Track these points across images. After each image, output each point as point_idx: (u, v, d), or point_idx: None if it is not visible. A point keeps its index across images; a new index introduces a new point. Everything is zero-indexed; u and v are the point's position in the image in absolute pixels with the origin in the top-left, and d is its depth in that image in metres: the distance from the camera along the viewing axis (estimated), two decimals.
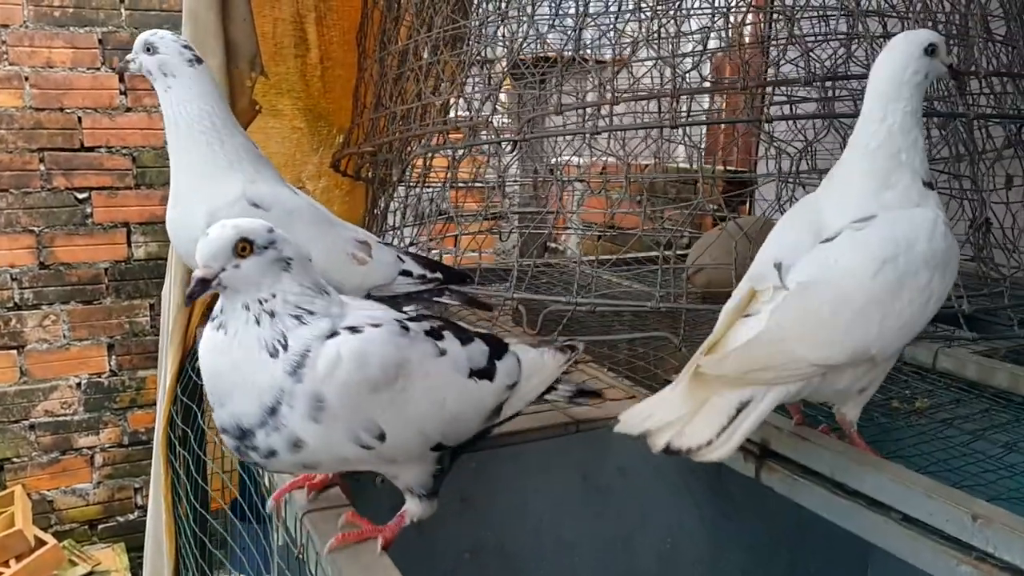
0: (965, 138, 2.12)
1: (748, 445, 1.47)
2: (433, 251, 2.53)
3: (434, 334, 1.24)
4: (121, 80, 3.97)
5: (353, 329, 1.15)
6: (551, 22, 2.46)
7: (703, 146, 3.21)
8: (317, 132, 3.01)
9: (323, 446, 1.12)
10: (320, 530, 1.27)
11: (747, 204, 3.48)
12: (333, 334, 1.13)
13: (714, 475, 1.65)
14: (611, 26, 2.43)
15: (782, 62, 2.19)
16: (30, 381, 4.01)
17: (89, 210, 4.01)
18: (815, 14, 2.25)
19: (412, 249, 2.48)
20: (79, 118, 3.94)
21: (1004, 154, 2.19)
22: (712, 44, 2.46)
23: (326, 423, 1.10)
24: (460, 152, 2.39)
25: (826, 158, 2.25)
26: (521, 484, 1.70)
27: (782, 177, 2.09)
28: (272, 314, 1.11)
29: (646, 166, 3.07)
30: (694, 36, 2.34)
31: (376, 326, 1.17)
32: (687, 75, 2.11)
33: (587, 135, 2.16)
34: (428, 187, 2.55)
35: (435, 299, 1.83)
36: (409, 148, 2.60)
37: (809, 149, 2.15)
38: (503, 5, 2.30)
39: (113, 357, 4.16)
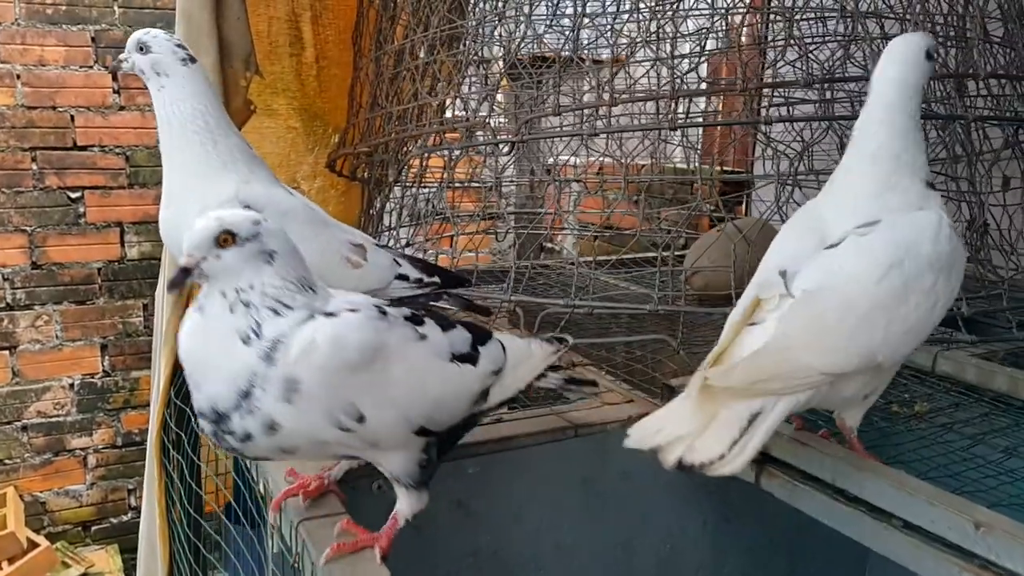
0: (963, 140, 2.11)
1: None
2: (429, 252, 2.52)
3: (414, 320, 1.26)
4: (114, 79, 3.94)
5: (329, 315, 1.16)
6: (548, 22, 2.44)
7: (699, 147, 3.20)
8: (312, 132, 3.00)
9: (299, 428, 1.13)
10: (315, 538, 1.27)
11: (743, 205, 3.48)
12: (309, 320, 1.15)
13: (714, 480, 1.64)
14: (609, 27, 2.41)
15: (780, 63, 2.18)
16: (22, 382, 3.99)
17: (82, 209, 3.99)
18: (813, 15, 2.24)
19: (408, 250, 2.47)
20: (72, 117, 3.91)
21: (1002, 155, 2.19)
22: (710, 45, 2.46)
23: (300, 405, 1.11)
24: (456, 153, 2.38)
25: (823, 159, 2.24)
26: (520, 489, 1.69)
27: (781, 179, 2.08)
28: (247, 304, 1.13)
29: (643, 166, 3.06)
30: (692, 37, 2.33)
31: (353, 311, 1.19)
32: (685, 76, 2.10)
33: (584, 136, 2.15)
34: (424, 187, 2.54)
35: (432, 303, 1.82)
36: (405, 148, 2.59)
37: (807, 151, 2.14)
38: (500, 5, 2.29)
39: (106, 358, 4.14)
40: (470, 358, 1.30)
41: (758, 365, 1.19)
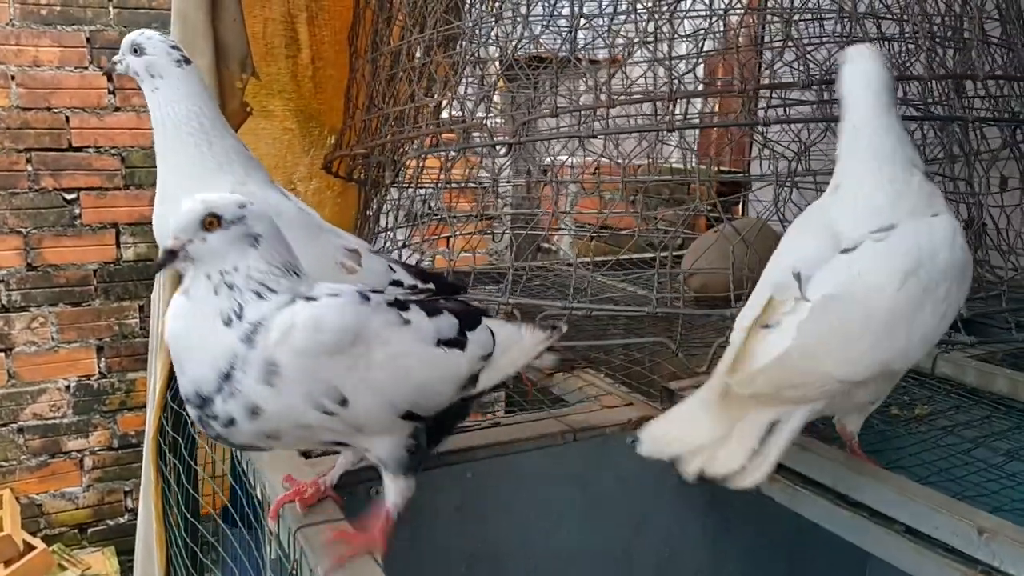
0: (961, 140, 2.10)
1: None
2: (426, 252, 2.51)
3: (398, 305, 1.26)
4: (109, 79, 3.93)
5: (310, 299, 1.17)
6: (545, 23, 2.43)
7: (695, 147, 3.20)
8: (308, 133, 2.99)
9: (281, 412, 1.14)
10: (314, 545, 1.26)
11: (740, 205, 3.47)
12: (290, 304, 1.15)
13: (716, 486, 1.63)
14: (606, 27, 2.40)
15: (777, 64, 2.17)
16: (18, 384, 3.98)
17: (77, 211, 3.97)
18: (811, 16, 2.24)
19: (405, 251, 2.47)
20: (67, 118, 3.90)
21: (1000, 156, 2.18)
22: (707, 45, 2.45)
23: (281, 388, 1.12)
24: (453, 153, 2.37)
25: (821, 159, 2.23)
26: (518, 494, 1.68)
27: (779, 180, 2.07)
28: (231, 286, 1.13)
29: (639, 166, 3.05)
30: (690, 38, 2.32)
31: (334, 296, 1.19)
32: (683, 77, 2.09)
33: (582, 137, 2.14)
34: (421, 188, 2.53)
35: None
36: (402, 149, 2.58)
37: (805, 152, 2.14)
38: (497, 6, 2.28)
39: (102, 359, 4.13)
40: (457, 343, 1.30)
41: (782, 372, 1.17)
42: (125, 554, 4.00)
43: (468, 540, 1.66)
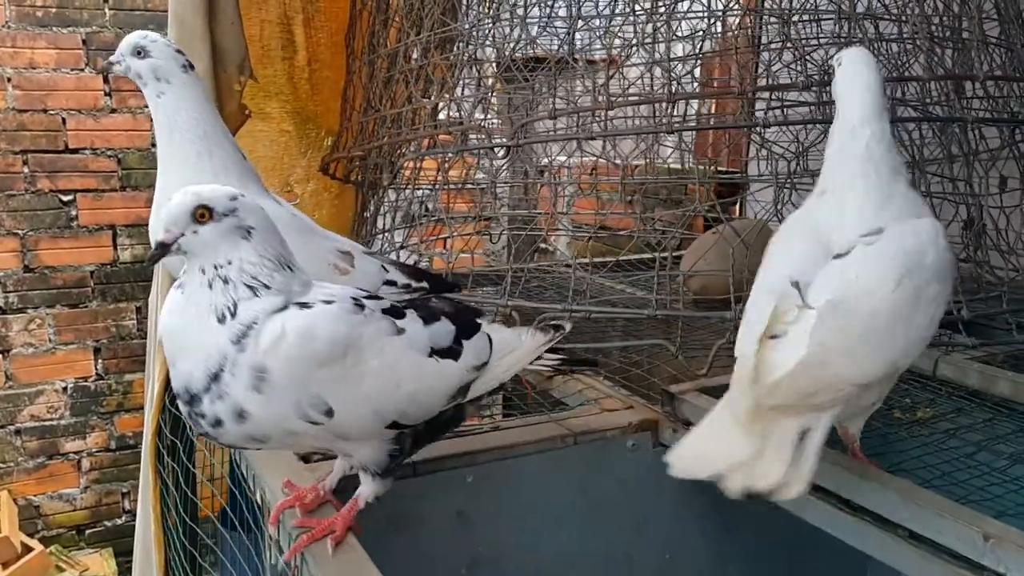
0: (960, 140, 2.10)
1: None
2: (424, 254, 2.51)
3: (394, 312, 1.25)
4: (105, 81, 3.92)
5: (303, 305, 1.16)
6: (543, 24, 2.42)
7: (692, 147, 3.19)
8: (305, 135, 2.98)
9: (268, 418, 1.14)
10: (314, 550, 1.26)
11: (738, 206, 3.46)
12: (283, 309, 1.15)
13: (714, 488, 1.63)
14: (604, 29, 2.40)
15: (776, 65, 2.17)
16: (15, 386, 3.97)
17: (74, 212, 3.96)
18: (809, 17, 2.23)
19: (403, 252, 2.47)
20: (63, 119, 3.89)
21: (1001, 155, 2.18)
22: (705, 46, 2.44)
23: (269, 394, 1.11)
24: (451, 155, 2.36)
25: (818, 160, 2.23)
26: (519, 497, 1.68)
27: (779, 181, 2.07)
28: (225, 280, 1.13)
29: (636, 167, 3.05)
30: (689, 39, 2.32)
31: (328, 303, 1.18)
32: (682, 79, 2.09)
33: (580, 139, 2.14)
34: (418, 189, 2.52)
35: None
36: (400, 151, 2.57)
37: (804, 153, 2.13)
38: (495, 7, 2.27)
39: (99, 361, 4.12)
40: (452, 352, 1.29)
41: (803, 380, 1.17)
42: (123, 555, 4.00)
43: (469, 544, 1.66)
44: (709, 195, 2.66)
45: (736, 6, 2.38)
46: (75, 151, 3.93)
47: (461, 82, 2.38)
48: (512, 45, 2.19)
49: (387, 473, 1.29)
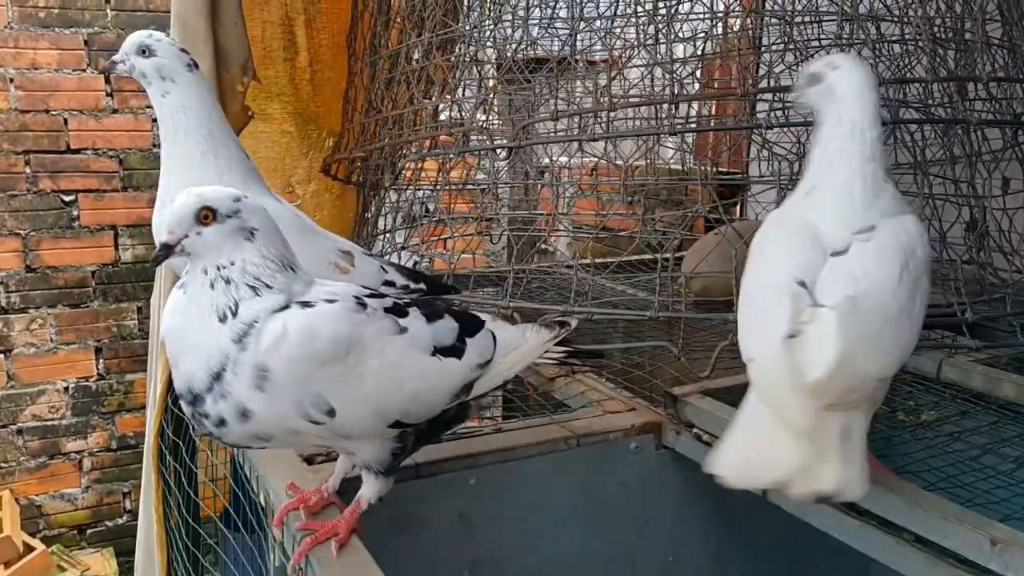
0: (963, 140, 2.10)
1: None
2: (424, 255, 2.51)
3: (396, 311, 1.24)
4: (107, 81, 3.92)
5: (305, 304, 1.16)
6: (545, 25, 2.42)
7: (692, 148, 3.19)
8: (307, 136, 2.98)
9: (271, 417, 1.14)
10: (318, 552, 1.26)
11: (738, 207, 3.46)
12: (284, 308, 1.15)
13: (720, 491, 1.63)
14: (607, 30, 2.40)
15: (778, 67, 2.17)
16: (17, 385, 3.97)
17: (76, 213, 3.97)
18: (810, 19, 2.23)
19: (404, 253, 2.47)
20: (65, 120, 3.89)
21: (1003, 157, 2.18)
22: (707, 48, 2.44)
23: (271, 393, 1.12)
24: (452, 156, 2.36)
25: None
26: (521, 500, 1.67)
27: (781, 183, 2.07)
28: (228, 281, 1.13)
29: (636, 167, 3.04)
30: (691, 41, 2.31)
31: (331, 302, 1.18)
32: (684, 80, 2.09)
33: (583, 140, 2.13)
34: (419, 190, 2.52)
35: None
36: (401, 152, 2.57)
37: (807, 154, 2.13)
38: (497, 9, 2.27)
39: (101, 361, 4.12)
40: (455, 351, 1.29)
41: (841, 377, 1.16)
42: (124, 555, 4.01)
43: (471, 546, 1.66)
44: (712, 196, 2.65)
45: (737, 7, 2.38)
46: (77, 151, 3.94)
47: (462, 83, 2.37)
48: (514, 46, 2.19)
49: (390, 472, 1.30)
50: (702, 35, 2.41)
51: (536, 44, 2.38)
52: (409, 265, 2.30)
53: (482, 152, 2.51)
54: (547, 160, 3.38)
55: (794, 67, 2.18)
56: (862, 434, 1.19)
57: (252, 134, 2.68)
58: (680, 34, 2.31)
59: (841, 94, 1.37)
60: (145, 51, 1.62)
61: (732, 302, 1.84)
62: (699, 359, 1.94)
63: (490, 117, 2.28)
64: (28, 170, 3.85)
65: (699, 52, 2.35)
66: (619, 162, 2.49)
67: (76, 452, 4.13)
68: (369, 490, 1.30)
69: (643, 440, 1.74)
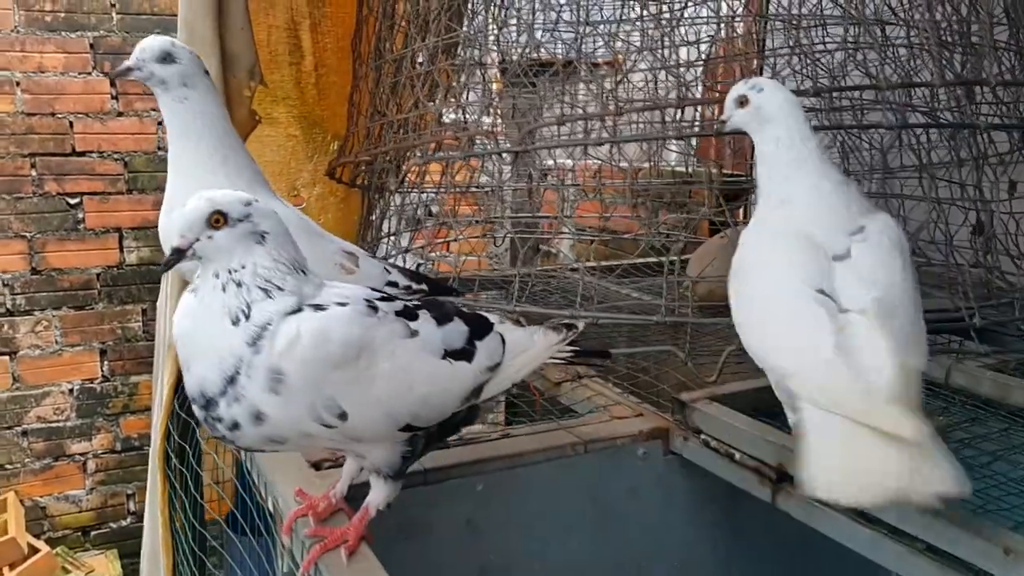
0: (970, 143, 2.09)
1: (764, 469, 1.45)
2: (430, 256, 2.51)
3: (407, 314, 1.25)
4: (112, 84, 3.92)
5: (317, 307, 1.17)
6: (551, 30, 2.42)
7: (695, 150, 3.19)
8: (312, 139, 2.99)
9: (285, 420, 1.14)
10: (327, 559, 1.26)
11: (742, 210, 3.45)
12: (297, 311, 1.15)
13: (728, 498, 1.63)
14: (612, 34, 2.39)
15: (785, 71, 2.17)
16: (22, 387, 3.97)
17: (81, 215, 3.96)
18: (815, 23, 2.22)
19: (408, 256, 2.48)
20: (71, 123, 3.89)
21: (1012, 159, 2.17)
22: (712, 51, 2.44)
23: (285, 396, 1.12)
24: (459, 159, 2.37)
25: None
26: (529, 506, 1.67)
27: None
28: (239, 284, 1.14)
29: (640, 169, 3.04)
30: (695, 44, 2.31)
31: (342, 305, 1.19)
32: (689, 84, 2.08)
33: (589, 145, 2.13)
34: (423, 193, 2.52)
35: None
36: (406, 155, 2.57)
37: None
38: (503, 14, 2.27)
39: (105, 363, 4.12)
40: (465, 354, 1.29)
41: (905, 377, 1.16)
42: (128, 557, 4.00)
43: (479, 553, 1.66)
44: (718, 200, 2.65)
45: (743, 11, 2.37)
46: (82, 154, 3.93)
47: (467, 86, 2.37)
48: (520, 50, 2.19)
49: (398, 476, 1.30)
50: (708, 39, 2.41)
51: (540, 48, 2.38)
52: (412, 268, 2.31)
53: (487, 155, 2.51)
54: (551, 162, 3.38)
55: (798, 71, 2.18)
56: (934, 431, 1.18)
57: (258, 138, 2.68)
58: (685, 38, 2.31)
59: (774, 112, 1.43)
60: (167, 58, 1.62)
61: None
62: (705, 363, 1.94)
63: (495, 121, 2.28)
64: (34, 173, 3.85)
65: (704, 56, 2.34)
66: (623, 164, 2.49)
67: (80, 454, 4.13)
68: (378, 496, 1.30)
69: (651, 446, 1.74)
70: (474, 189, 2.85)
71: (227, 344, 1.12)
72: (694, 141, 3.11)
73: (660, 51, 2.08)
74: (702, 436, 1.66)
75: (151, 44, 1.62)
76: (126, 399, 4.17)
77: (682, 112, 2.02)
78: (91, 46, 3.87)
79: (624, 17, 2.23)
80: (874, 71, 1.98)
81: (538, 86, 2.29)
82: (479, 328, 1.33)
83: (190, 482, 2.25)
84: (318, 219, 2.40)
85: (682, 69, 2.03)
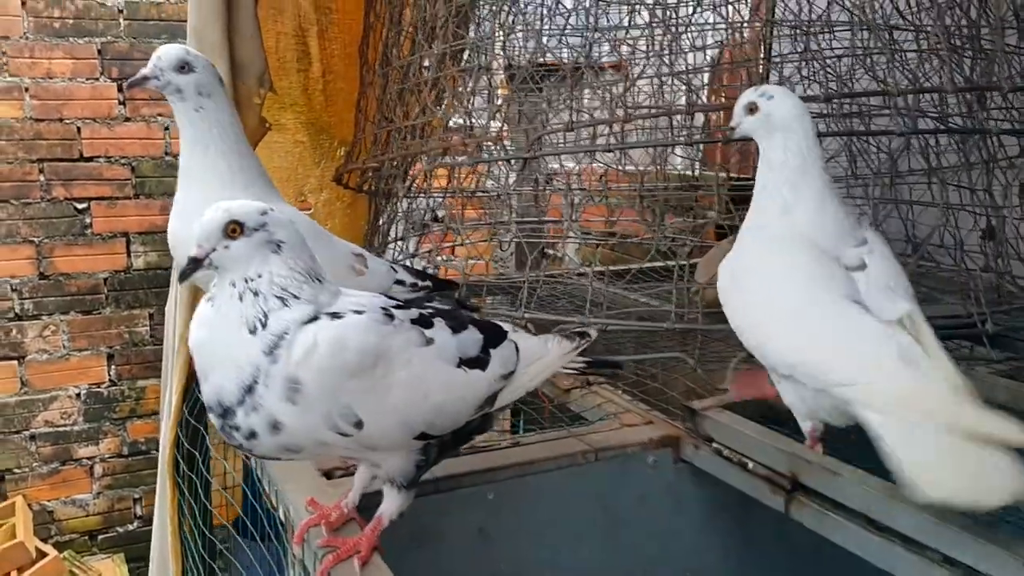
0: (980, 148, 2.08)
1: (777, 478, 1.45)
2: (433, 262, 2.51)
3: (422, 322, 1.25)
4: (119, 90, 3.93)
5: (334, 315, 1.17)
6: (559, 36, 2.42)
7: (701, 154, 3.18)
8: (319, 145, 3.00)
9: (302, 429, 1.14)
10: (339, 571, 1.26)
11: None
12: (313, 319, 1.15)
13: (740, 506, 1.62)
14: (621, 40, 2.39)
15: (795, 78, 2.17)
16: (30, 392, 3.98)
17: (88, 220, 3.97)
18: (822, 28, 2.22)
19: (416, 260, 2.49)
20: (78, 128, 3.90)
21: (1021, 162, 2.17)
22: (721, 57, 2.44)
23: (302, 405, 1.12)
24: (467, 164, 2.37)
25: (835, 169, 2.22)
26: (539, 514, 1.67)
27: None
28: (256, 293, 1.14)
29: (645, 172, 3.04)
30: (703, 50, 2.31)
31: (359, 313, 1.19)
32: (697, 90, 2.08)
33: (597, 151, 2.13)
34: (430, 198, 2.52)
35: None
36: (413, 160, 2.57)
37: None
38: (511, 20, 2.27)
39: (112, 367, 4.13)
40: (479, 362, 1.29)
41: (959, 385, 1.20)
42: (134, 561, 4.02)
43: (490, 560, 1.65)
44: (727, 205, 2.64)
45: (757, 20, 2.37)
46: (90, 159, 3.94)
47: (473, 93, 2.37)
48: (527, 56, 2.19)
49: (412, 485, 1.30)
50: (716, 45, 2.41)
51: (546, 53, 2.38)
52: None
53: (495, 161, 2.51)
54: (556, 166, 3.38)
55: (807, 77, 2.18)
56: None
57: (266, 144, 2.69)
58: (693, 43, 2.30)
59: (784, 120, 1.45)
60: (185, 67, 1.61)
61: None
62: (715, 370, 1.93)
63: (503, 126, 2.28)
64: (42, 178, 3.86)
65: (714, 62, 2.34)
66: (630, 167, 2.49)
67: (88, 458, 4.14)
68: (390, 506, 1.30)
69: (661, 454, 1.74)
70: (481, 193, 2.85)
71: (244, 353, 1.12)
72: (701, 146, 3.11)
73: (668, 56, 2.08)
74: (714, 445, 1.65)
75: (168, 53, 1.61)
76: (133, 403, 4.18)
77: (692, 118, 2.02)
78: (99, 52, 3.87)
79: (632, 24, 2.24)
80: (883, 76, 1.98)
81: (545, 91, 2.29)
82: (493, 336, 1.34)
83: (199, 488, 2.25)
84: (325, 224, 2.40)
85: (694, 75, 2.03)
